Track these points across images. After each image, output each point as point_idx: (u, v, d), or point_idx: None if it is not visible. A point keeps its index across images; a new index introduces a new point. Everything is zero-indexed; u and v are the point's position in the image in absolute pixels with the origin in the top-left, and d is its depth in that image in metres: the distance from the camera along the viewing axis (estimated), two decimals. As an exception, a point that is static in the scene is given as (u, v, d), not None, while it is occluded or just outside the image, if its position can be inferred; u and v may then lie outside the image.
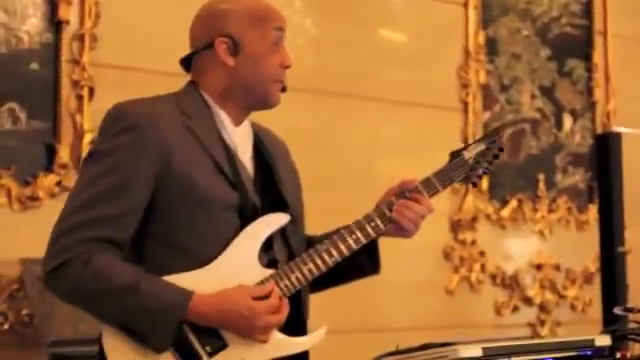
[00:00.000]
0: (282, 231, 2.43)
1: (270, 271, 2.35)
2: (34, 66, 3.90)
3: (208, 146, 2.36)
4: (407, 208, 2.44)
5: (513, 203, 5.34)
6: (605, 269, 4.65)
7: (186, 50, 4.37)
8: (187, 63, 2.52)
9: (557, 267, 5.50)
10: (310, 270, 2.37)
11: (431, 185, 2.49)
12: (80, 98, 3.99)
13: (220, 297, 2.26)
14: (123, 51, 4.12)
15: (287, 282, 2.34)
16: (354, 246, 2.41)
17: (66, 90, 3.96)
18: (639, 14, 5.97)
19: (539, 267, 5.42)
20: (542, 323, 5.41)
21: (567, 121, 5.66)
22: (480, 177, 2.58)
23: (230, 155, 2.40)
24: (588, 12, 5.79)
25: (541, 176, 5.50)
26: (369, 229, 2.43)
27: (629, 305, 2.85)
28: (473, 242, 5.16)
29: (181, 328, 2.24)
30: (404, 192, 2.47)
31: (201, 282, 2.27)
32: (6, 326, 3.75)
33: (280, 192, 2.47)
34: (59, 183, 3.91)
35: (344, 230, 2.43)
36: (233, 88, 2.43)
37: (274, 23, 2.46)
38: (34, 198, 3.86)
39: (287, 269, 2.36)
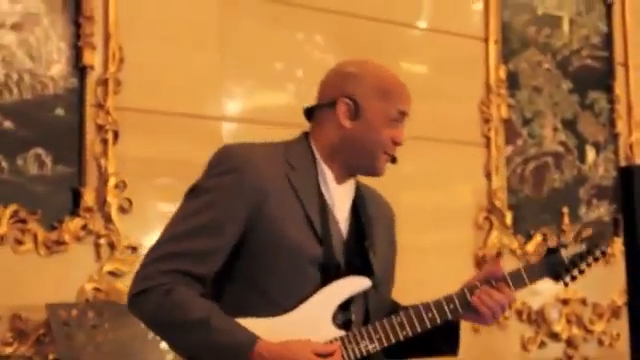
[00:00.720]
0: (364, 294, 2.45)
1: (341, 332, 2.37)
2: (59, 111, 3.94)
3: (303, 198, 2.41)
4: (489, 296, 2.44)
5: (538, 237, 5.33)
6: (632, 302, 4.61)
7: (204, 92, 4.45)
8: (309, 113, 2.56)
9: (583, 301, 5.49)
10: (380, 340, 2.38)
11: (519, 279, 2.50)
12: (105, 142, 4.02)
13: (284, 346, 2.28)
14: (146, 95, 4.15)
15: (354, 347, 2.36)
16: (429, 325, 2.42)
17: (91, 134, 3.99)
18: (659, 45, 5.98)
19: (565, 302, 5.40)
20: (570, 358, 5.39)
21: (590, 154, 5.66)
22: (574, 279, 2.58)
23: (324, 211, 2.44)
24: (609, 44, 5.81)
25: (565, 209, 5.50)
26: (447, 310, 2.43)
27: None
28: (498, 255, 5.15)
29: None
30: (490, 280, 2.47)
31: (272, 330, 2.32)
32: (33, 371, 3.76)
33: (368, 257, 2.48)
34: (84, 227, 3.93)
35: (422, 307, 2.43)
36: (343, 149, 2.48)
37: (399, 105, 2.50)
38: (60, 242, 3.88)
39: (357, 334, 2.37)
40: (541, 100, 5.48)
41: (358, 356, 2.36)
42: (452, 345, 2.54)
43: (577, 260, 2.56)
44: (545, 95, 5.50)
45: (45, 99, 3.90)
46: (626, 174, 4.77)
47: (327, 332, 2.37)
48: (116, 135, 4.04)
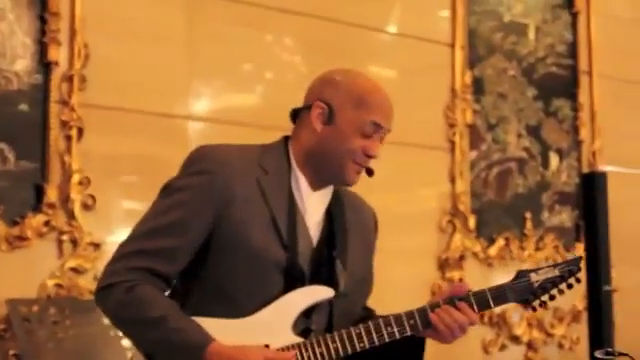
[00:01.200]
0: (329, 303, 2.43)
1: (299, 339, 2.36)
2: (23, 107, 3.94)
3: (271, 203, 2.40)
4: (449, 315, 2.39)
5: (500, 241, 5.38)
6: (592, 308, 4.65)
7: (171, 91, 4.44)
8: (295, 117, 2.54)
9: (545, 305, 5.53)
10: (336, 349, 2.36)
11: (484, 301, 2.44)
12: (69, 138, 4.02)
13: (237, 349, 2.28)
14: (112, 92, 4.15)
15: (310, 354, 2.35)
16: (386, 338, 2.38)
17: (55, 131, 3.99)
18: (623, 54, 6.04)
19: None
20: (529, 361, 5.45)
21: (553, 160, 5.71)
22: (543, 305, 2.47)
23: (293, 216, 2.42)
24: (573, 52, 5.87)
25: (528, 215, 5.54)
26: (407, 326, 2.40)
27: (609, 349, 2.84)
28: (460, 280, 5.18)
29: None
30: (453, 299, 2.42)
31: (231, 332, 2.32)
32: (-7, 366, 3.75)
33: (335, 268, 2.45)
34: (47, 223, 3.93)
35: (383, 320, 2.40)
36: (315, 154, 2.45)
37: (373, 116, 2.44)
38: (22, 238, 3.87)
39: (315, 342, 2.36)
40: (506, 106, 5.53)
41: None
42: (416, 358, 2.51)
43: (548, 286, 2.45)
44: (510, 101, 5.55)
45: (9, 94, 3.90)
46: (588, 180, 4.82)
47: (285, 338, 2.35)
48: (80, 132, 4.04)
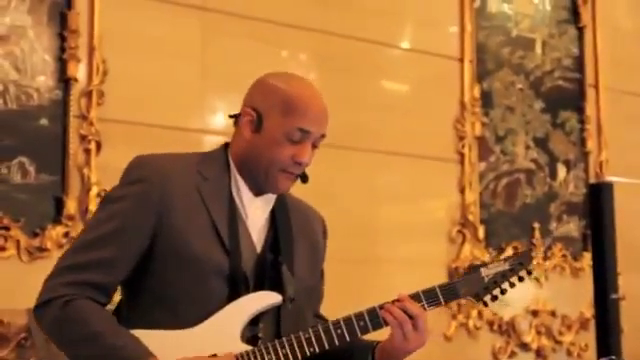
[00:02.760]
0: (277, 309, 2.36)
1: (246, 347, 2.28)
2: (43, 122, 4.01)
3: (211, 209, 2.33)
4: (398, 309, 2.30)
5: (509, 251, 5.41)
6: (599, 315, 4.70)
7: (187, 105, 4.51)
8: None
9: (553, 313, 5.58)
10: (285, 355, 2.28)
11: (433, 296, 2.35)
12: (88, 152, 4.09)
13: None
14: (129, 107, 4.23)
15: None
16: (336, 341, 2.32)
17: (74, 145, 4.06)
18: (629, 67, 6.10)
19: (535, 313, 5.50)
20: (539, 368, 5.50)
21: (561, 171, 5.77)
22: (494, 299, 2.41)
23: (234, 221, 2.36)
24: (580, 66, 5.93)
25: (536, 224, 5.60)
26: (356, 327, 2.33)
27: (613, 357, 2.83)
28: (468, 290, 5.23)
29: None
30: (404, 299, 2.32)
31: (178, 343, 2.25)
32: (14, 374, 3.82)
33: (281, 272, 2.38)
34: (66, 234, 3.99)
35: (332, 323, 2.33)
36: (247, 162, 2.38)
37: (299, 123, 2.36)
38: (42, 249, 3.94)
39: (263, 349, 2.28)
40: (514, 118, 5.59)
41: None
42: None
43: (499, 279, 2.39)
44: (518, 114, 5.62)
45: (30, 109, 3.98)
46: (595, 191, 4.87)
47: (233, 347, 2.27)
48: (99, 145, 4.12)
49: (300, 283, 2.41)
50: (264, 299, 2.34)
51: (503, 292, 2.41)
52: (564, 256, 5.69)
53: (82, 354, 2.25)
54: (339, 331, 2.32)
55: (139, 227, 2.30)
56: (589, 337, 5.40)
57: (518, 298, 5.45)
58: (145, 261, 2.33)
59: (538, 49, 5.76)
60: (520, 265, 2.42)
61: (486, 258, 5.33)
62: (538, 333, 5.50)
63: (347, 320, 2.33)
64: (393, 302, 2.32)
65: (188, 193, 2.34)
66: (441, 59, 5.35)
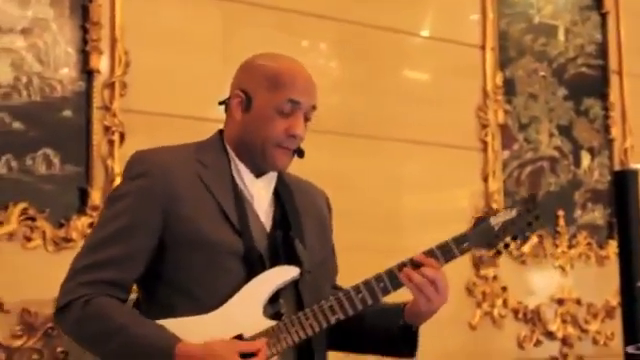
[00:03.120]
0: (294, 285, 2.39)
1: (272, 322, 2.32)
2: (67, 113, 4.03)
3: (217, 195, 2.37)
4: (416, 271, 2.33)
5: (534, 239, 5.38)
6: (625, 303, 4.68)
7: (209, 96, 4.52)
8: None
9: (578, 302, 5.56)
10: (311, 326, 2.32)
11: (448, 250, 2.38)
12: (111, 143, 4.11)
13: (205, 348, 2.23)
14: (152, 97, 4.24)
15: (286, 335, 2.30)
16: (359, 306, 2.35)
17: (98, 136, 4.07)
18: (653, 53, 6.07)
19: (560, 302, 5.48)
20: (565, 357, 5.46)
21: (585, 159, 5.75)
22: (507, 246, 2.45)
23: (241, 204, 2.39)
24: (603, 52, 5.90)
25: (561, 212, 5.57)
26: (377, 289, 2.36)
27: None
28: (495, 278, 5.22)
29: None
30: (419, 259, 2.36)
31: (202, 328, 2.28)
32: (42, 364, 3.84)
33: (294, 246, 2.42)
34: (91, 225, 3.99)
35: (352, 289, 2.36)
36: (242, 144, 2.44)
37: (288, 94, 2.41)
38: (67, 239, 3.96)
39: (289, 322, 2.32)
40: (537, 106, 5.57)
41: (290, 344, 2.31)
42: (410, 348, 2.47)
43: (508, 227, 2.41)
44: (541, 101, 5.59)
45: (54, 101, 4.00)
46: (620, 178, 4.85)
47: (257, 325, 2.30)
48: (122, 136, 4.13)
49: (313, 256, 2.45)
50: (282, 274, 2.37)
51: (514, 239, 2.45)
52: (589, 244, 5.66)
53: (109, 348, 2.29)
54: (360, 295, 2.35)
55: (147, 221, 2.34)
56: (615, 325, 5.39)
57: (543, 287, 5.44)
58: (158, 253, 2.36)
59: (561, 36, 5.74)
60: (527, 211, 2.44)
61: (511, 246, 5.30)
62: (564, 322, 5.48)
63: (367, 283, 2.36)
64: (410, 261, 2.36)
65: (191, 182, 2.37)
66: (463, 47, 5.34)
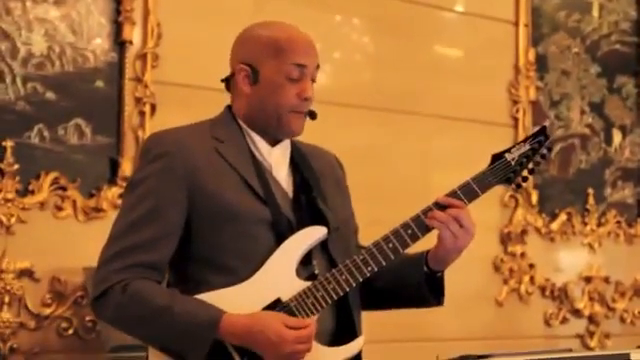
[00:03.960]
0: (323, 245, 2.41)
1: (307, 283, 2.33)
2: (99, 84, 4.07)
3: (236, 165, 2.39)
4: (442, 213, 2.36)
5: (562, 217, 5.41)
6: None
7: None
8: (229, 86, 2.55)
9: (606, 280, 5.55)
10: (346, 280, 2.34)
11: (470, 190, 2.42)
12: (142, 114, 4.14)
13: (252, 318, 2.26)
14: (183, 69, 4.27)
15: (323, 293, 2.32)
16: (391, 255, 2.37)
17: (129, 107, 4.11)
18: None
19: (588, 280, 5.47)
20: (591, 335, 5.46)
21: (616, 136, 5.71)
22: (525, 179, 2.48)
23: (262, 173, 2.41)
24: (638, 30, 5.86)
25: (590, 190, 5.56)
26: (406, 237, 2.38)
27: None
28: (523, 254, 5.22)
29: (224, 346, 2.27)
30: (442, 201, 2.39)
31: (239, 297, 2.29)
32: (71, 331, 3.92)
33: (318, 207, 2.45)
34: (121, 195, 4.02)
35: (382, 239, 2.38)
36: (254, 115, 2.44)
37: (293, 58, 2.41)
38: (98, 209, 4.01)
39: (324, 280, 2.33)
40: (569, 83, 5.54)
41: (329, 301, 2.32)
42: (437, 295, 2.49)
43: (524, 160, 2.44)
44: (573, 78, 5.56)
45: (86, 72, 4.03)
46: (651, 157, 4.83)
47: (293, 287, 2.32)
48: (153, 108, 4.16)
49: (337, 215, 2.47)
50: (311, 235, 2.38)
51: (532, 172, 2.47)
52: (618, 222, 5.65)
53: (154, 330, 2.30)
54: (390, 245, 2.37)
55: (173, 200, 2.35)
56: (643, 304, 5.39)
57: (571, 264, 5.44)
58: (188, 232, 2.36)
59: (595, 12, 5.69)
60: (538, 143, 2.46)
61: (539, 224, 5.31)
62: (591, 299, 5.47)
63: (395, 232, 2.39)
64: (435, 204, 2.39)
65: (210, 157, 2.38)
66: (496, 23, 5.32)
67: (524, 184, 2.52)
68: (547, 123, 2.34)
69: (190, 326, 2.24)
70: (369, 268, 2.36)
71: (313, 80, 2.46)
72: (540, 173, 5.34)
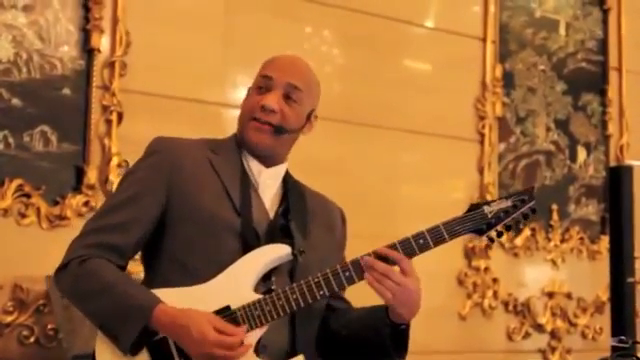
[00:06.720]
0: (289, 265, 2.45)
1: (258, 296, 2.36)
2: (66, 91, 4.04)
3: (222, 175, 2.48)
4: (373, 268, 2.34)
5: (526, 232, 5.43)
6: (614, 299, 4.69)
7: (208, 78, 4.53)
8: None
9: (569, 295, 5.58)
10: (296, 300, 2.35)
11: (438, 233, 2.39)
12: (109, 122, 4.12)
13: (182, 312, 2.30)
14: (151, 78, 4.25)
15: (271, 308, 2.34)
16: (345, 284, 2.37)
17: (96, 115, 4.09)
18: (653, 51, 6.07)
19: (551, 295, 5.50)
20: (553, 350, 5.48)
21: (581, 154, 5.75)
22: (500, 234, 2.42)
23: (245, 187, 2.49)
24: (603, 48, 5.90)
25: (555, 206, 5.59)
26: (362, 264, 2.36)
27: (623, 337, 2.84)
28: (486, 269, 5.24)
29: (168, 345, 2.32)
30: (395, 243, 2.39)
31: (192, 299, 2.34)
32: (32, 339, 3.87)
33: (290, 230, 2.49)
34: (86, 203, 4.03)
35: (339, 266, 2.38)
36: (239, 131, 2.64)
37: (263, 71, 2.57)
38: (62, 217, 3.98)
39: (275, 296, 2.35)
40: (535, 100, 5.58)
41: (275, 317, 2.33)
42: (400, 351, 2.47)
43: (502, 215, 2.39)
44: (539, 95, 5.60)
45: (53, 79, 4.01)
46: (615, 174, 4.84)
47: (246, 298, 2.35)
48: (120, 116, 4.14)
49: (315, 251, 2.49)
50: (274, 250, 2.42)
51: (508, 229, 2.42)
52: (581, 239, 5.68)
53: (95, 306, 2.37)
54: (347, 273, 2.37)
55: (152, 190, 2.45)
56: (604, 320, 5.38)
57: (534, 279, 5.46)
58: (160, 226, 2.45)
59: (562, 30, 5.74)
60: (522, 202, 2.41)
61: (503, 239, 5.30)
62: (553, 315, 5.50)
63: (353, 262, 2.37)
64: (374, 254, 2.36)
65: (199, 163, 2.49)
66: (464, 39, 5.35)
67: (498, 239, 2.47)
68: (535, 185, 2.31)
69: (125, 308, 2.32)
70: (321, 292, 2.36)
71: (289, 97, 2.51)
72: (505, 188, 5.36)
